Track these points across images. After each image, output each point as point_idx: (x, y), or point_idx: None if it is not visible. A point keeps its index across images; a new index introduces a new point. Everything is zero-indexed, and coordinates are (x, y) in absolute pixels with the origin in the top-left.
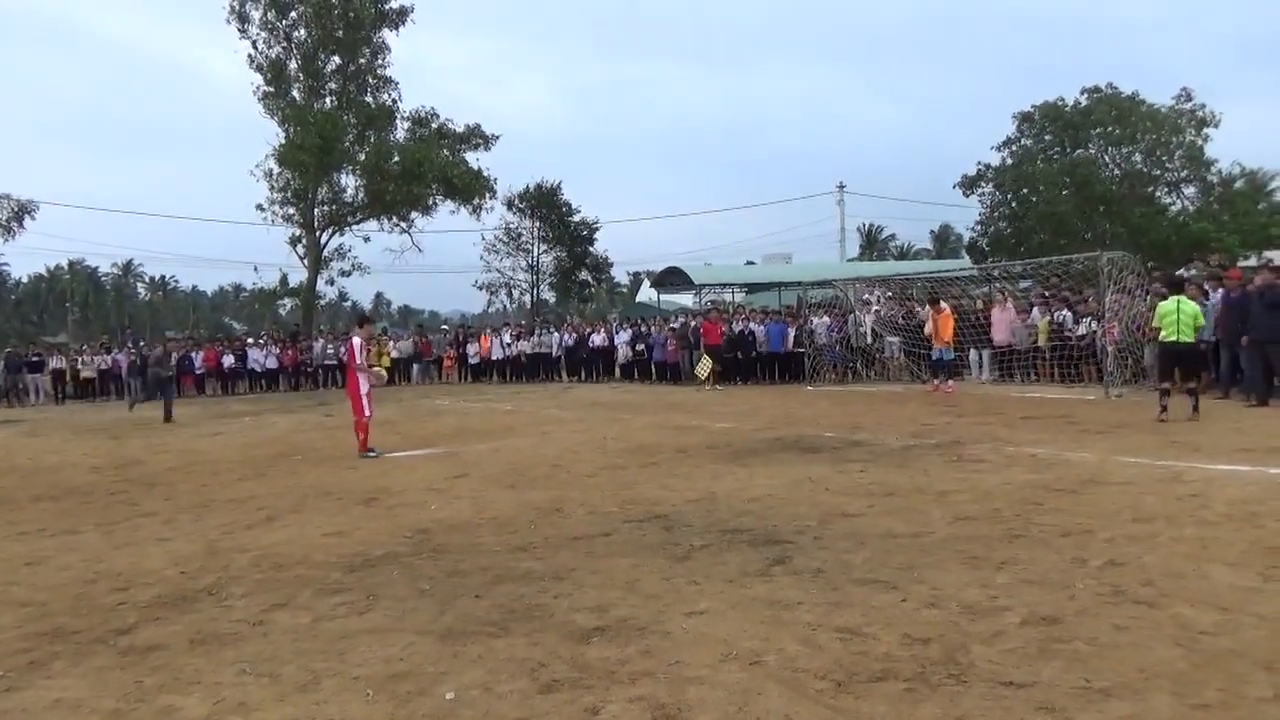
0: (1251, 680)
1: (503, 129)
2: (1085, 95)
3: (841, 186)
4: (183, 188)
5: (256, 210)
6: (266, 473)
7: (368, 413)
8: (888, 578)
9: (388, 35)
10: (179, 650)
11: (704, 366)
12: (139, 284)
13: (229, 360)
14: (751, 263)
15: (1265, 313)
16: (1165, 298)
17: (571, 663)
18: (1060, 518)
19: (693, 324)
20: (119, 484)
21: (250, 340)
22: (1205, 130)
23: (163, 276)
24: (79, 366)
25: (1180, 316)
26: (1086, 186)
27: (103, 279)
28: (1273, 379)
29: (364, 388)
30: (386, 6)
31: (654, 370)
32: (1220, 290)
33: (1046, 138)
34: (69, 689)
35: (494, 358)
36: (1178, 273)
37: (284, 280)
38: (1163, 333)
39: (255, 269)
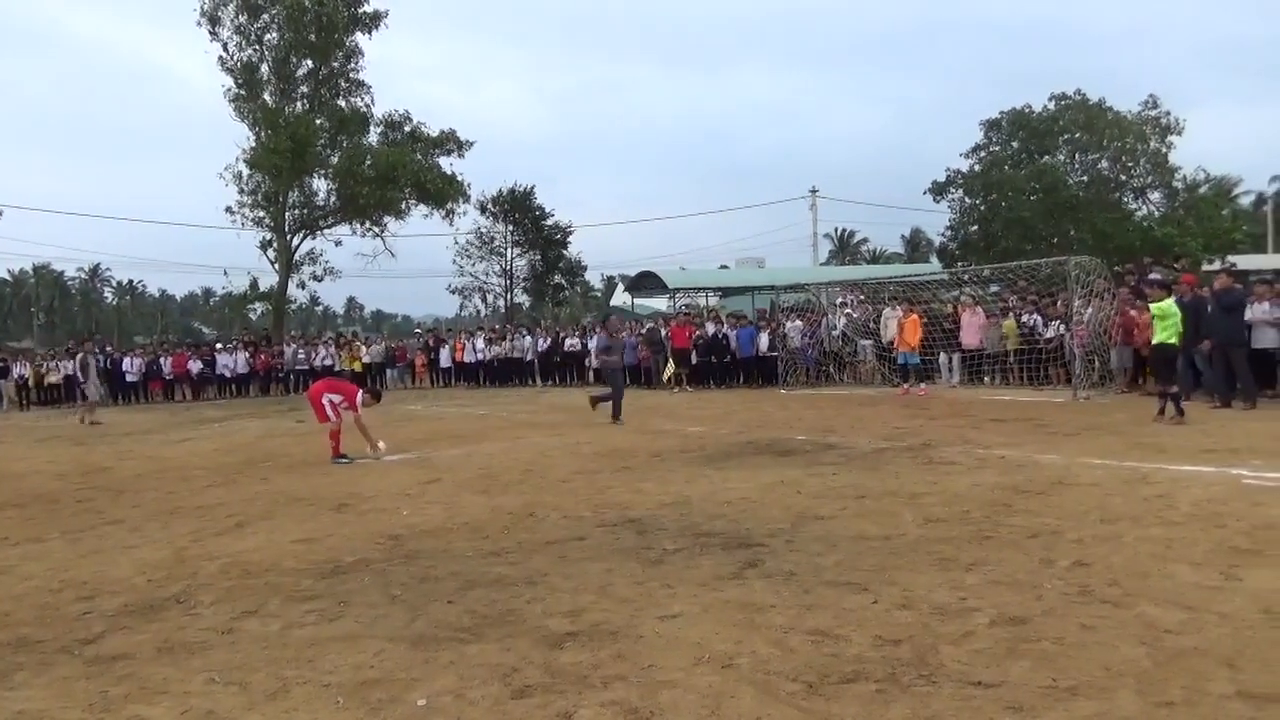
0: (1214, 678)
1: (476, 131)
2: (1053, 102)
3: (814, 191)
4: (151, 191)
5: (226, 214)
6: (236, 479)
7: (332, 416)
8: (859, 580)
9: (361, 39)
10: (146, 659)
11: (669, 370)
12: (106, 289)
13: (197, 366)
14: (725, 267)
15: (1224, 316)
16: (1140, 299)
17: (544, 668)
18: (1029, 519)
19: (664, 331)
20: (85, 491)
21: (219, 345)
22: (1169, 137)
23: (130, 281)
24: (44, 372)
25: (1173, 318)
26: (1053, 192)
27: (69, 283)
28: (1234, 381)
29: (334, 399)
30: (360, 10)
31: (627, 375)
32: (1176, 295)
33: (1014, 145)
34: (33, 699)
35: (467, 361)
36: (1150, 276)
37: (254, 285)
38: (1162, 334)
39: (225, 273)
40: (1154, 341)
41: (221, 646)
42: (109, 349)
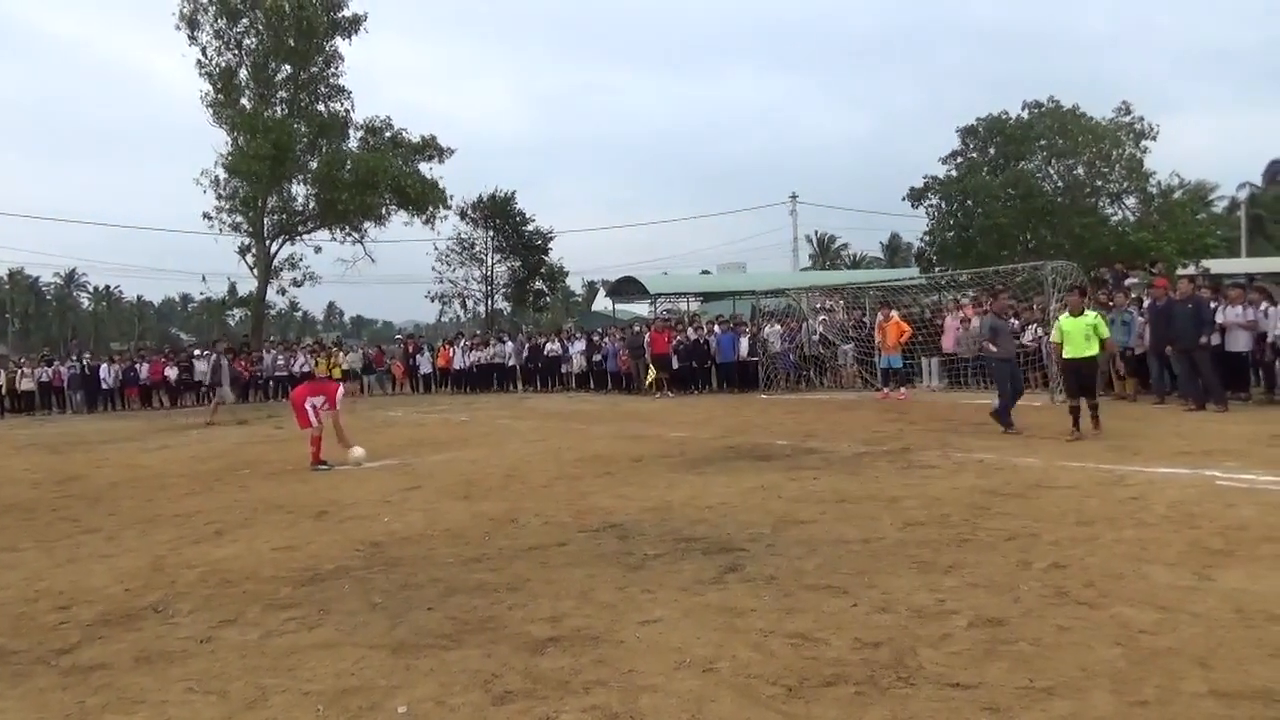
0: (1187, 677)
1: (459, 135)
2: (1027, 109)
3: (794, 197)
4: (128, 196)
5: (204, 219)
6: (214, 487)
7: (314, 421)
8: (839, 583)
9: (340, 43)
10: (123, 669)
11: (650, 375)
12: (82, 294)
13: (174, 372)
14: (707, 272)
15: (1188, 321)
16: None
17: (525, 674)
18: (1007, 522)
19: (646, 337)
20: (61, 500)
21: (197, 352)
22: (1143, 143)
23: (107, 287)
24: (17, 379)
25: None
26: (1029, 198)
27: (44, 289)
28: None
29: (315, 402)
30: (339, 15)
31: (609, 380)
32: (1149, 300)
33: (990, 151)
34: (7, 711)
35: (455, 367)
36: (1126, 282)
37: (233, 290)
38: (1090, 347)
39: (204, 279)
40: (1071, 355)
41: (200, 655)
42: (85, 355)
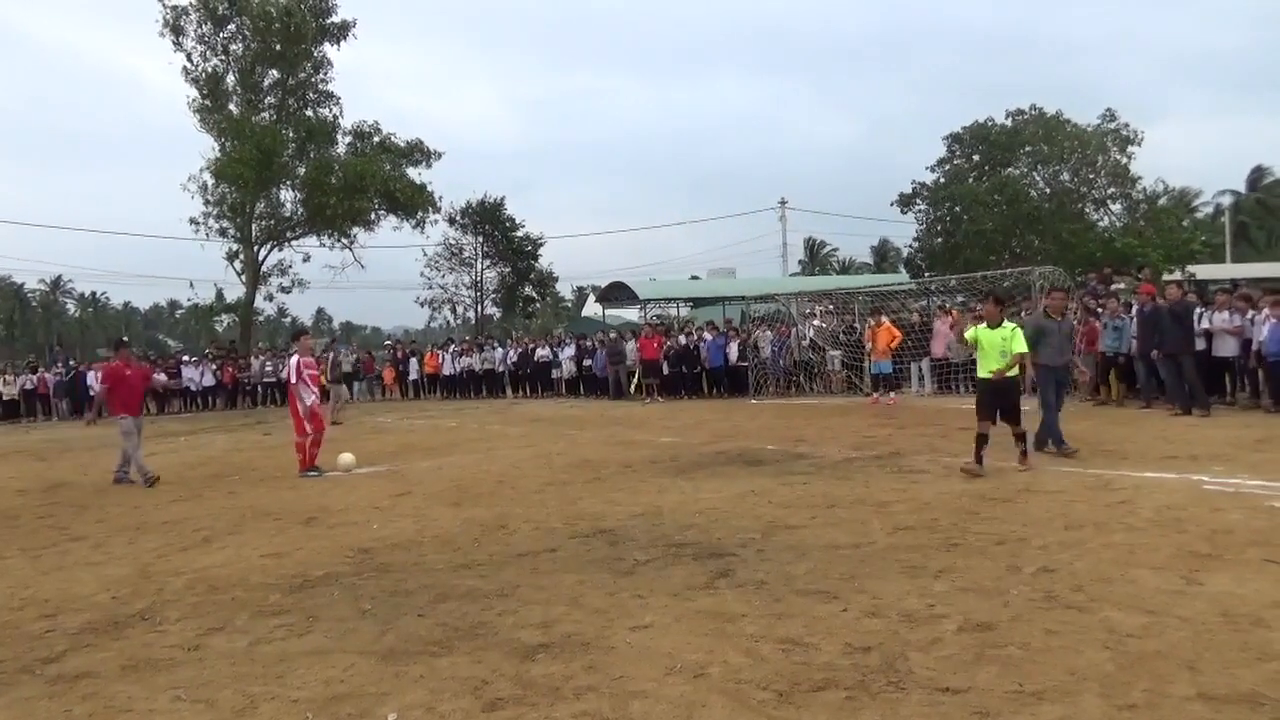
0: (1175, 680)
1: (448, 141)
2: (1011, 118)
3: (783, 202)
4: (114, 200)
5: (190, 225)
6: (202, 493)
7: (309, 430)
8: (829, 588)
9: (329, 49)
10: (110, 677)
11: (634, 381)
12: (68, 301)
13: (160, 379)
14: (696, 277)
15: (1174, 326)
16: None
17: (516, 680)
18: (995, 526)
19: (629, 345)
20: (47, 507)
21: (185, 358)
22: (1129, 149)
23: (93, 293)
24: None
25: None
26: (1015, 204)
27: (29, 296)
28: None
29: (305, 405)
30: (328, 21)
31: (598, 385)
32: (1135, 305)
33: (975, 158)
34: None
35: (444, 373)
36: (1112, 287)
37: (220, 296)
38: (999, 361)
39: (191, 285)
40: (985, 374)
41: (188, 663)
42: (71, 362)
